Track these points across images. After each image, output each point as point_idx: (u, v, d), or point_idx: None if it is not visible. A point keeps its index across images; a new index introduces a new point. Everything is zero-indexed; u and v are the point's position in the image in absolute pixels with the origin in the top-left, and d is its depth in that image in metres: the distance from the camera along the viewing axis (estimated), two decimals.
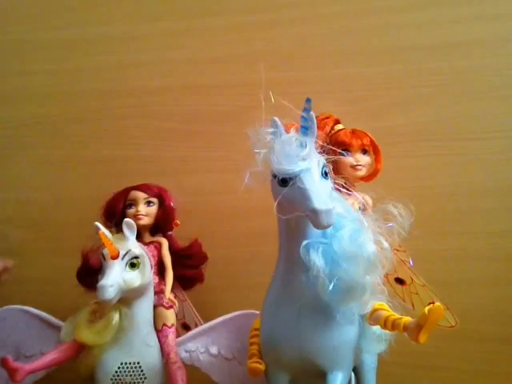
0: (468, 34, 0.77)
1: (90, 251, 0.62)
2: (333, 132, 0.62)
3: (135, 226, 0.59)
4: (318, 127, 0.60)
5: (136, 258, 0.57)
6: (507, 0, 0.77)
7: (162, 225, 0.66)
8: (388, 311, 0.50)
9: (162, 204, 0.65)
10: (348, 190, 0.55)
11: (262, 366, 0.52)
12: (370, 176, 0.63)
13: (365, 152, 0.61)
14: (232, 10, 0.82)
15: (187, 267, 0.65)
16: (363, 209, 0.57)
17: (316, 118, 0.61)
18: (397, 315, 0.49)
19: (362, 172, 0.61)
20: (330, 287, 0.46)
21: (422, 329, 0.45)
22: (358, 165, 0.60)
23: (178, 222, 0.66)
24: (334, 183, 0.52)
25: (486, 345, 0.74)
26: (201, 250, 0.66)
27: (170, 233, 0.67)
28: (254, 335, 0.56)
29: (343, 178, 0.60)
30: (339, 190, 0.52)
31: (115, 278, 0.55)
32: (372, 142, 0.61)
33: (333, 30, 0.80)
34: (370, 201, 0.59)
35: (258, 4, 0.82)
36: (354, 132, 0.61)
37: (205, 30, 0.83)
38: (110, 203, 0.65)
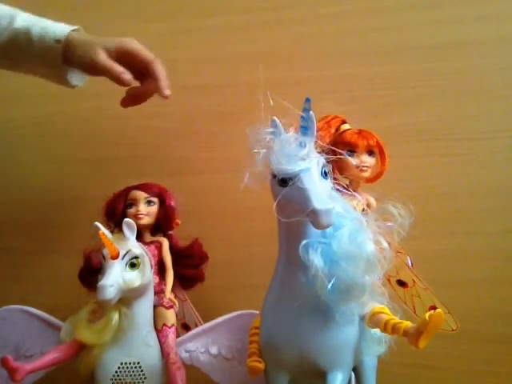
0: (468, 34, 0.77)
1: (92, 251, 0.62)
2: (339, 132, 0.62)
3: (135, 226, 0.59)
4: (324, 128, 0.60)
5: (136, 257, 0.57)
6: (507, 0, 0.77)
7: (162, 224, 0.66)
8: (388, 315, 0.50)
9: (163, 203, 0.65)
10: (350, 191, 0.55)
11: (261, 365, 0.52)
12: (375, 177, 0.62)
13: (371, 153, 0.61)
14: (232, 10, 0.82)
15: (188, 266, 0.65)
16: (367, 210, 0.56)
17: (323, 118, 0.62)
18: (397, 319, 0.49)
19: (367, 173, 0.60)
20: (329, 287, 0.46)
21: (422, 335, 0.45)
22: (363, 166, 0.60)
23: (178, 221, 0.66)
24: (337, 184, 0.52)
25: (486, 345, 0.74)
26: (201, 250, 0.66)
27: (170, 232, 0.66)
28: (254, 333, 0.56)
29: (348, 178, 0.60)
30: (343, 192, 0.52)
31: (115, 278, 0.55)
32: (378, 143, 0.61)
33: (333, 29, 0.80)
34: (374, 202, 0.59)
35: (257, 4, 0.82)
36: (360, 133, 0.60)
37: (205, 30, 0.83)
38: (111, 203, 0.65)
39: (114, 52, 0.62)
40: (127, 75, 0.61)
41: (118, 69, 0.61)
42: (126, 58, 0.62)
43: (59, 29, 0.64)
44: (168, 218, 0.65)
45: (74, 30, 0.64)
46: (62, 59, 0.63)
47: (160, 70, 0.63)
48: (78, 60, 0.62)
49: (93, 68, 0.62)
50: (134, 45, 0.63)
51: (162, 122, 0.82)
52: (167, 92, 0.63)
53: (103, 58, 0.61)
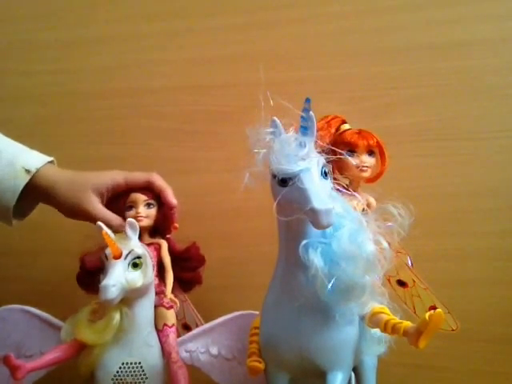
0: (468, 34, 0.77)
1: (86, 255, 0.62)
2: (339, 132, 0.61)
3: (138, 226, 0.59)
4: (324, 128, 0.60)
5: (138, 257, 0.57)
6: (507, 0, 0.77)
7: (160, 227, 0.65)
8: (388, 315, 0.50)
9: (162, 206, 0.65)
10: (350, 191, 0.55)
11: (261, 365, 0.52)
12: (375, 177, 0.62)
13: (371, 153, 0.60)
14: (232, 10, 0.82)
15: (185, 269, 0.65)
16: (367, 210, 0.56)
17: (323, 118, 0.62)
18: (397, 319, 0.49)
19: (367, 173, 0.60)
20: (329, 287, 0.46)
21: (422, 335, 0.45)
22: (363, 166, 0.60)
23: (176, 225, 0.65)
24: (338, 184, 0.52)
25: (486, 345, 0.74)
26: (198, 253, 0.66)
27: (168, 236, 0.66)
28: (254, 334, 0.56)
29: (348, 178, 0.60)
30: (343, 192, 0.52)
31: (118, 277, 0.54)
32: (378, 143, 0.61)
33: (333, 29, 0.80)
34: (374, 202, 0.59)
35: (257, 4, 0.82)
36: (360, 133, 0.60)
37: (205, 30, 0.83)
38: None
39: (106, 192, 0.61)
40: (121, 223, 0.60)
41: (115, 222, 0.60)
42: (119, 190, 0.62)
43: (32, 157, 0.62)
44: (167, 220, 0.65)
45: (49, 162, 0.63)
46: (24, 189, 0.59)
47: (161, 182, 0.63)
48: (62, 200, 0.61)
49: (80, 216, 0.61)
50: (120, 178, 0.62)
51: (162, 122, 0.82)
52: (174, 201, 0.63)
53: (97, 207, 0.60)
